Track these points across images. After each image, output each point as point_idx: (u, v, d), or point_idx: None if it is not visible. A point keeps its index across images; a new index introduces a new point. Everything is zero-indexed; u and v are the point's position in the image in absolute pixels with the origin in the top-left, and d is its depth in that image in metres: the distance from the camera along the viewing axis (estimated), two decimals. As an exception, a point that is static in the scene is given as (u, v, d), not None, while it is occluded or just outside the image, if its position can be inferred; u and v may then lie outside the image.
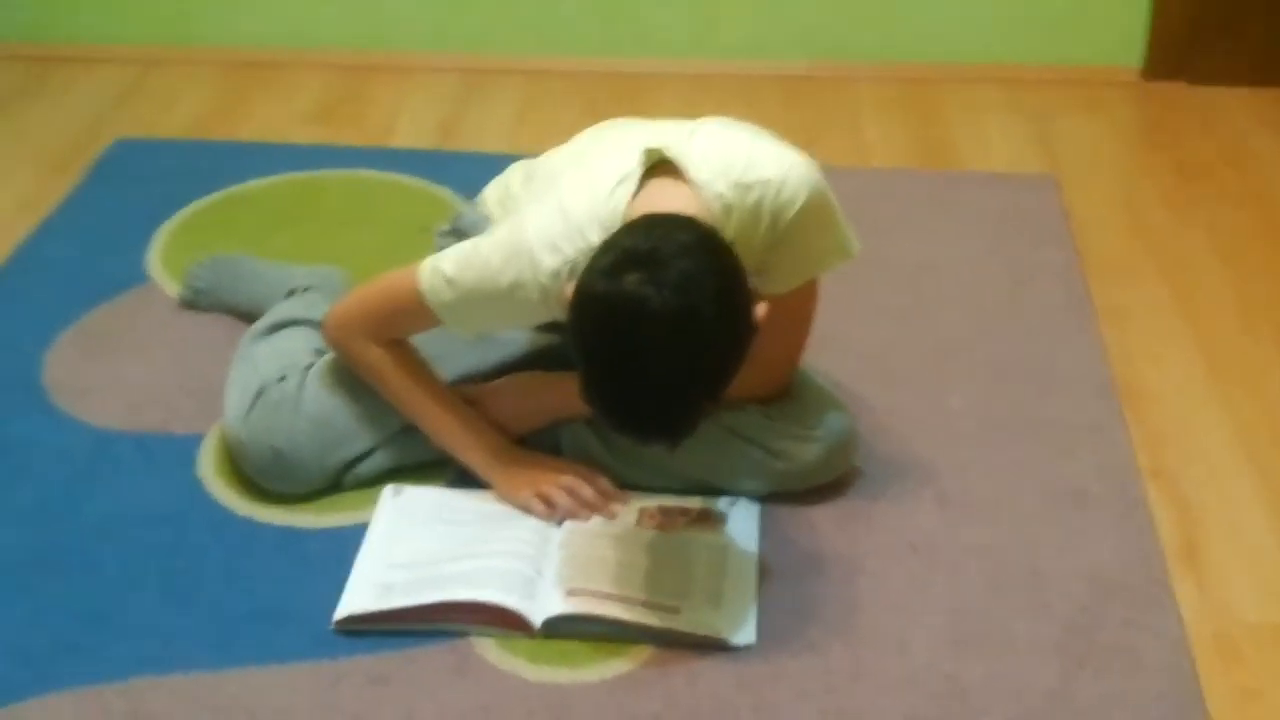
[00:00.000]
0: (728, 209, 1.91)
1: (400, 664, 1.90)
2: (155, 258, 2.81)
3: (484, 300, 1.98)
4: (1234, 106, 3.41)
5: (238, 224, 2.93)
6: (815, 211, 1.97)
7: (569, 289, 1.77)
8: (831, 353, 2.39)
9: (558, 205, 1.95)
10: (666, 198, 1.89)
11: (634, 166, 1.93)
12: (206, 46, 3.72)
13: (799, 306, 2.09)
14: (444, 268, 2.00)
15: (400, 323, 2.10)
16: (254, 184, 3.08)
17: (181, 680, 1.88)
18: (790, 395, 2.17)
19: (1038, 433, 2.32)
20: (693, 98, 3.47)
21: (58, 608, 1.99)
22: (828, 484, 2.17)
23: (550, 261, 1.91)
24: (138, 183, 3.10)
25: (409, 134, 3.35)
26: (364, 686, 1.87)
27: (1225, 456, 2.31)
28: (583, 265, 1.82)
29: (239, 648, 1.92)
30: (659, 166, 1.94)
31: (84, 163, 3.19)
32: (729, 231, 1.90)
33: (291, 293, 2.47)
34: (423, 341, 2.16)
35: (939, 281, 2.73)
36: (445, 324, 2.04)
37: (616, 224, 1.88)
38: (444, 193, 3.01)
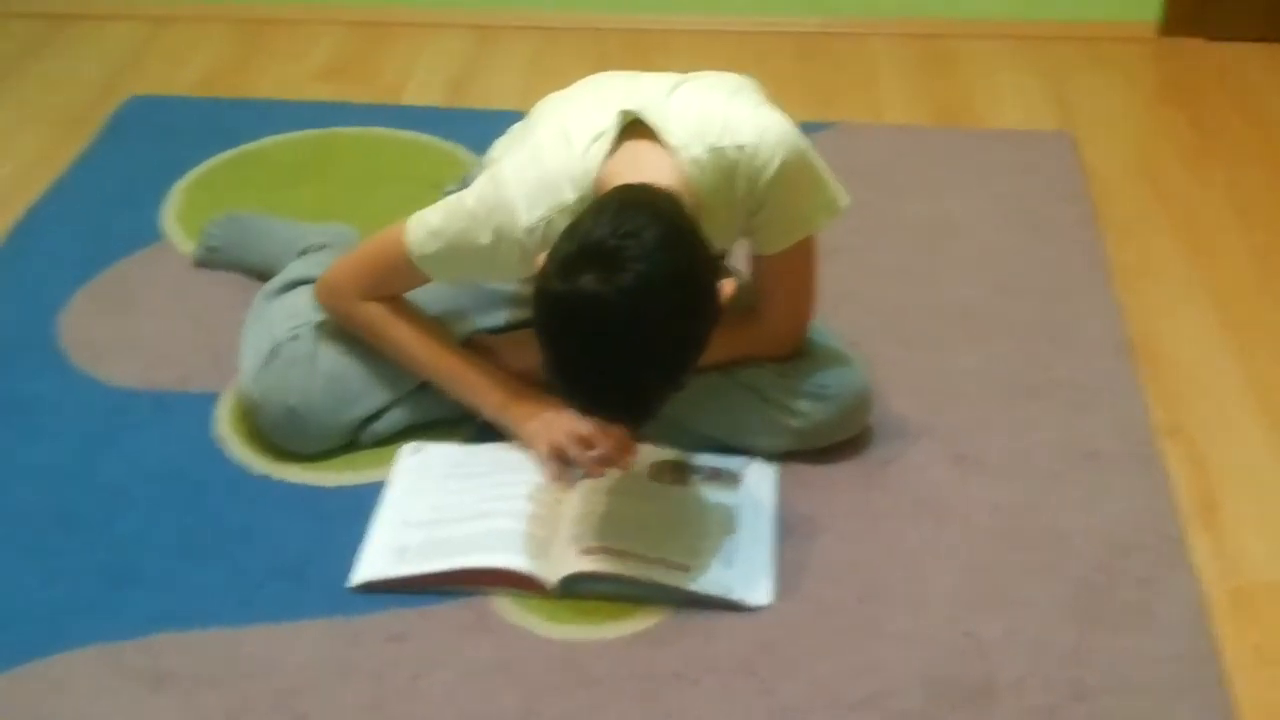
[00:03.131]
0: (701, 172, 1.92)
1: (417, 621, 1.91)
2: (170, 215, 2.81)
3: (466, 252, 1.99)
4: (1251, 62, 3.38)
5: (251, 182, 2.93)
6: (794, 173, 1.96)
7: (540, 259, 1.78)
8: (846, 311, 2.39)
9: (534, 156, 1.96)
10: (640, 161, 1.89)
11: (609, 126, 1.93)
12: (220, 4, 3.70)
13: (797, 265, 2.08)
14: (429, 220, 2.02)
15: (390, 280, 2.11)
16: (267, 141, 3.07)
17: (200, 636, 1.89)
18: (805, 354, 2.16)
19: (1053, 391, 2.31)
20: (705, 55, 3.44)
21: (76, 566, 2.00)
22: (843, 442, 2.17)
23: (526, 218, 1.92)
24: (152, 140, 3.09)
25: (421, 91, 3.34)
26: (382, 643, 1.88)
27: (1241, 414, 2.30)
28: (558, 224, 1.84)
29: (257, 605, 1.94)
30: (636, 126, 1.94)
31: (98, 120, 3.18)
32: (701, 196, 1.91)
33: (305, 251, 2.46)
34: (430, 301, 2.16)
35: (955, 239, 2.72)
36: (430, 277, 2.05)
37: (589, 183, 1.90)
38: (456, 150, 3.01)
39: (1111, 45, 3.49)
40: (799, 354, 2.16)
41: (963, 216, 2.79)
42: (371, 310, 2.13)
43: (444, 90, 3.35)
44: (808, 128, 2.97)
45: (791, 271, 2.09)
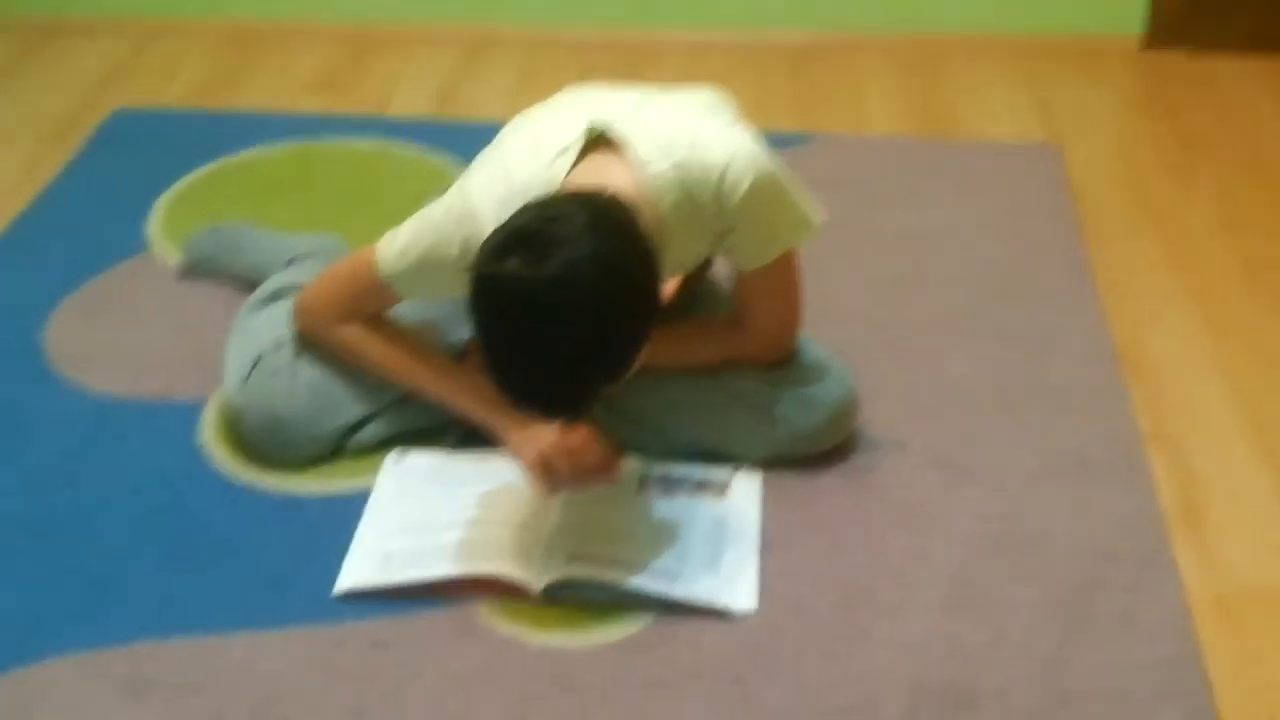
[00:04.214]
0: (665, 189, 1.91)
1: (402, 628, 1.90)
2: (155, 227, 2.81)
3: (436, 266, 1.98)
4: (1234, 74, 3.40)
5: (237, 193, 2.93)
6: (764, 193, 1.95)
7: None
8: (832, 320, 2.39)
9: (502, 168, 1.96)
10: (603, 174, 1.89)
11: (575, 138, 1.93)
12: (206, 16, 3.70)
13: (778, 279, 2.07)
14: (398, 238, 2.02)
15: (364, 302, 2.11)
16: (253, 153, 3.08)
17: (183, 644, 1.88)
18: (791, 363, 2.16)
19: (1039, 399, 2.32)
20: (693, 67, 3.46)
21: (60, 574, 2.00)
22: (828, 450, 2.17)
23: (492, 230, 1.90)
24: (137, 152, 3.10)
25: (409, 103, 3.35)
26: (365, 651, 1.87)
27: (1226, 421, 2.31)
28: None
29: (240, 612, 1.93)
30: (605, 139, 1.94)
31: (83, 133, 3.18)
32: (663, 211, 1.91)
33: (290, 261, 2.46)
34: (405, 315, 2.17)
35: (940, 250, 2.72)
36: (403, 295, 2.05)
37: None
38: (443, 162, 3.01)
39: (1096, 58, 3.50)
40: (787, 362, 2.16)
41: (948, 228, 2.79)
42: (348, 333, 2.12)
43: (431, 102, 3.36)
44: (794, 139, 3.03)
45: (773, 285, 2.08)
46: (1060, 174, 2.98)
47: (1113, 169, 3.04)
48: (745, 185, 1.93)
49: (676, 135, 1.94)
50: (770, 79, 3.42)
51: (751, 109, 3.19)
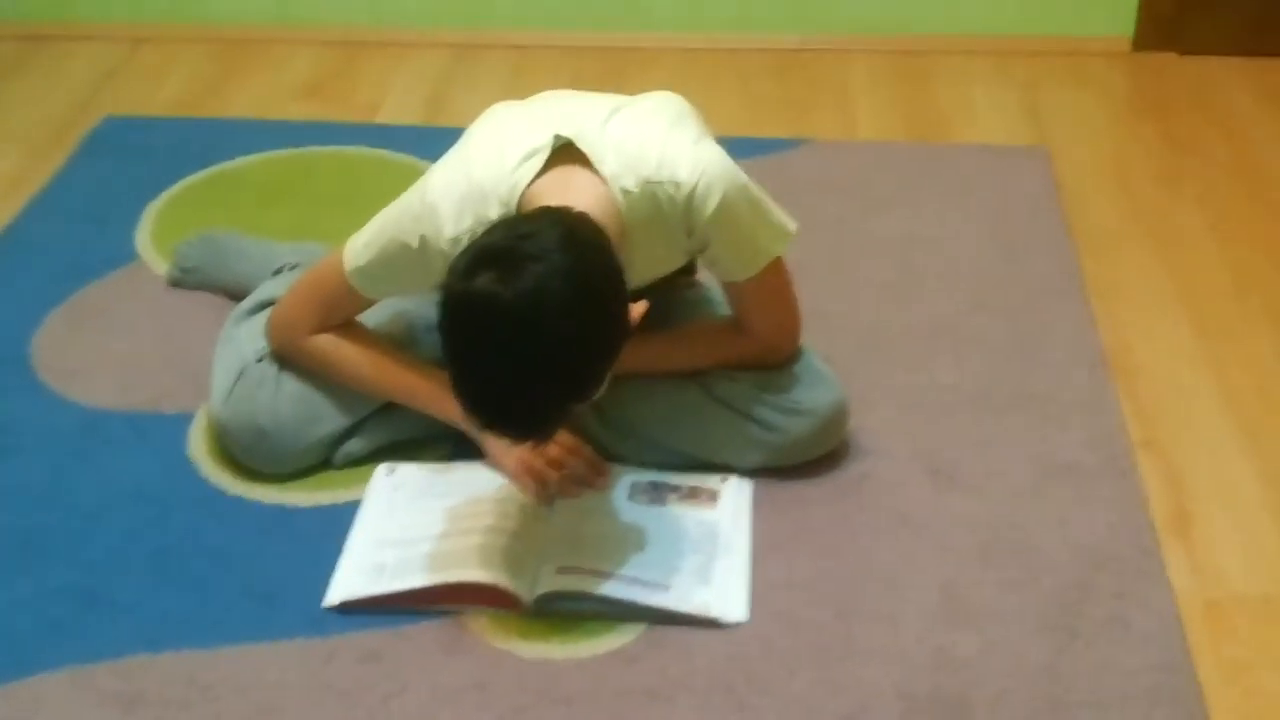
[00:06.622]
0: (632, 204, 1.91)
1: (392, 641, 1.90)
2: (144, 236, 2.81)
3: (397, 261, 1.99)
4: (1224, 76, 3.40)
5: (226, 201, 2.93)
6: (735, 208, 1.95)
7: None
8: (821, 326, 2.39)
9: (464, 169, 1.96)
10: (567, 185, 1.89)
11: (543, 145, 1.93)
12: (195, 24, 3.70)
13: (767, 286, 2.07)
14: (361, 235, 2.03)
15: (333, 306, 2.11)
16: (243, 161, 3.07)
17: (173, 658, 1.88)
18: (782, 369, 2.16)
19: (1029, 405, 2.32)
20: (682, 72, 3.46)
21: (49, 588, 1.99)
22: (819, 458, 2.17)
23: (451, 229, 1.90)
24: (127, 160, 3.09)
25: (398, 110, 3.34)
26: (356, 664, 1.87)
27: (1216, 427, 2.31)
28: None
29: (230, 626, 1.93)
30: (571, 149, 1.93)
31: (73, 140, 3.18)
32: (629, 225, 1.91)
33: (278, 271, 2.46)
34: (387, 314, 2.17)
35: (929, 254, 2.72)
36: (368, 294, 2.06)
37: (514, 202, 1.89)
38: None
39: (1085, 60, 3.50)
40: (783, 366, 2.15)
41: (938, 232, 2.79)
42: (321, 343, 2.12)
43: (421, 109, 3.35)
44: (783, 144, 3.04)
45: (765, 294, 2.09)
46: (1050, 176, 2.98)
47: (1102, 172, 3.04)
48: (714, 201, 1.92)
49: (644, 150, 1.93)
50: (760, 83, 3.42)
51: (740, 114, 3.21)
